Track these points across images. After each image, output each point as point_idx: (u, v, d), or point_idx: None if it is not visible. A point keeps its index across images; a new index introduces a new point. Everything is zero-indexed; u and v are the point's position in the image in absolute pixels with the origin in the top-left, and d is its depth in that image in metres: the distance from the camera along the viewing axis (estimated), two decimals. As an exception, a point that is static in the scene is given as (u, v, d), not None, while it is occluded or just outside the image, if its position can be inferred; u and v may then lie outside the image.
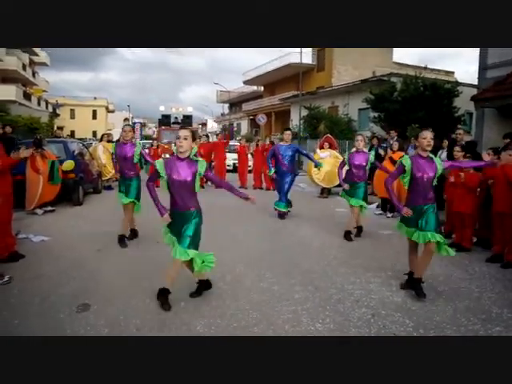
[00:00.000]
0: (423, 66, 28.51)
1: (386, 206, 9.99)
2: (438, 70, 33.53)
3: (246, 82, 47.66)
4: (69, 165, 9.96)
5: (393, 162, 9.17)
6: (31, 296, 4.53)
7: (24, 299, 4.46)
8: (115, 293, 4.67)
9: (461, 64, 71.46)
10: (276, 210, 9.26)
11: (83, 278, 5.17)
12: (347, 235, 7.36)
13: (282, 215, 9.21)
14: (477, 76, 14.63)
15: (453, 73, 36.42)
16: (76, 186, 10.33)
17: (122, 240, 6.62)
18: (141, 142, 15.51)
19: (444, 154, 9.45)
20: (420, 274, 4.69)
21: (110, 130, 53.23)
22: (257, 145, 16.07)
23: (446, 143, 9.83)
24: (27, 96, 34.36)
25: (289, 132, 9.24)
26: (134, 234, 7.05)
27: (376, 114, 19.30)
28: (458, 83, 19.73)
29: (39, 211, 9.09)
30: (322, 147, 13.27)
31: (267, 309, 4.34)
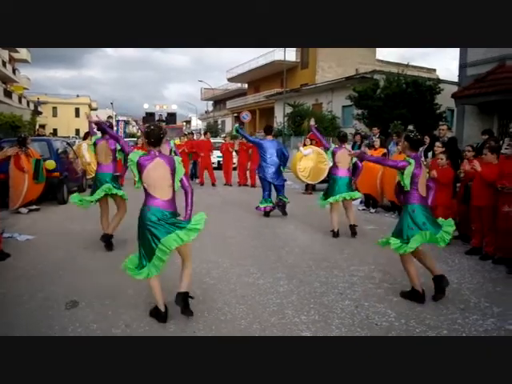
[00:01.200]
0: (406, 63, 28.84)
1: (369, 201, 10.16)
2: (421, 67, 33.92)
3: (231, 80, 47.64)
4: (50, 164, 9.86)
5: (374, 158, 9.34)
6: (19, 294, 4.56)
7: (12, 298, 4.48)
8: (103, 289, 4.72)
9: (443, 61, 72.50)
10: (263, 207, 9.11)
11: (71, 275, 5.20)
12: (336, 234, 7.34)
13: (268, 212, 9.13)
14: (457, 74, 14.95)
15: (435, 70, 36.89)
16: (60, 184, 10.29)
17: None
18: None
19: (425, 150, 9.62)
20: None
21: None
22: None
23: (427, 140, 9.99)
24: (8, 93, 33.82)
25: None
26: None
27: (360, 111, 19.51)
28: (439, 80, 20.05)
29: (24, 210, 9.05)
30: (305, 144, 13.40)
31: (253, 302, 4.44)
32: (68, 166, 11.13)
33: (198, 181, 15.70)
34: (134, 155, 3.88)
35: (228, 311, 4.22)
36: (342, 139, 7.53)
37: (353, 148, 12.48)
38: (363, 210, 10.30)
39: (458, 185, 7.22)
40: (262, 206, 9.10)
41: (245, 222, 8.57)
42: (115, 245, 6.48)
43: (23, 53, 41.90)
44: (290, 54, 33.38)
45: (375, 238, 7.23)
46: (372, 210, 9.96)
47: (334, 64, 32.90)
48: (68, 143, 13.55)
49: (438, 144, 7.36)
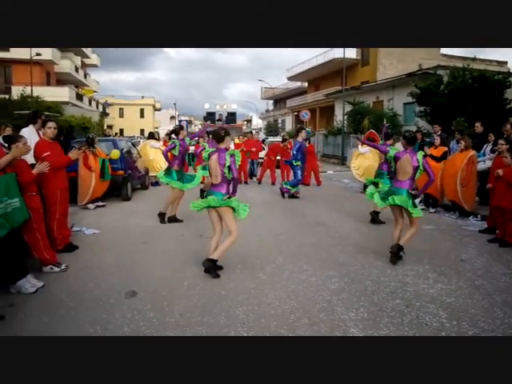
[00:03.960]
0: (472, 57, 27.56)
1: (429, 200, 9.87)
2: (490, 61, 32.28)
3: (290, 78, 47.64)
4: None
5: (433, 158, 9.05)
6: (84, 283, 4.91)
7: (78, 286, 4.83)
8: (160, 282, 4.97)
9: (516, 53, 67.51)
10: (285, 189, 11.76)
11: (131, 267, 5.51)
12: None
13: (287, 193, 11.67)
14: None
15: (506, 62, 34.92)
16: (125, 182, 10.83)
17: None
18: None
19: (489, 147, 9.21)
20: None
21: (156, 127, 54.74)
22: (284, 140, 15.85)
23: (492, 137, 9.53)
24: (79, 97, 35.91)
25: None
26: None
27: (422, 109, 18.88)
28: (510, 73, 19.01)
29: (91, 206, 9.63)
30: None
31: (303, 298, 4.51)
32: (131, 165, 11.69)
33: (255, 178, 15.95)
34: (206, 152, 5.25)
35: (278, 306, 4.32)
36: (388, 137, 8.71)
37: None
38: (422, 209, 10.00)
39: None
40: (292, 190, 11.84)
41: (299, 220, 8.63)
42: (170, 241, 6.84)
43: (93, 58, 44.37)
44: (350, 52, 32.94)
45: (433, 238, 7.10)
46: (432, 210, 9.66)
47: (395, 60, 32.04)
48: (132, 143, 14.20)
49: (501, 141, 7.03)
